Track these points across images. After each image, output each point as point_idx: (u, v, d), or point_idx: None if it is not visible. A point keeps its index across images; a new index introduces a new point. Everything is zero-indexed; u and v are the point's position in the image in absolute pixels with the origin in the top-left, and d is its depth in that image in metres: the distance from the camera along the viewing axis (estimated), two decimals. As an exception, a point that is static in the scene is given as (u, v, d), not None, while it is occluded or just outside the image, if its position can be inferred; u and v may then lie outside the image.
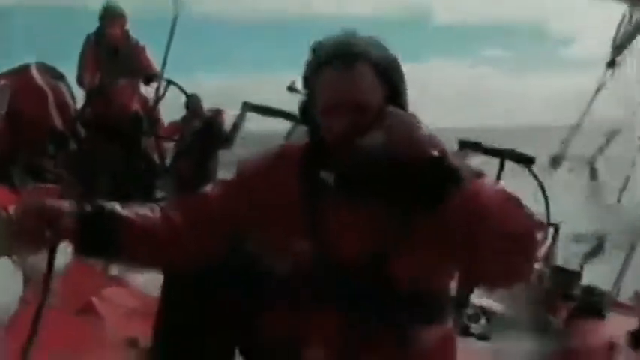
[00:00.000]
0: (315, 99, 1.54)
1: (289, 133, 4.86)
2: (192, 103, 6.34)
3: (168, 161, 6.28)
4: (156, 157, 6.16)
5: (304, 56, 1.58)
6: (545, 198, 4.39)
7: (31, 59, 5.53)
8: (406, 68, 1.56)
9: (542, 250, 1.56)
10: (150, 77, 6.13)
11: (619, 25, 5.93)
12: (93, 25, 6.21)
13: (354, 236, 1.51)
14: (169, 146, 6.42)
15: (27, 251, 1.71)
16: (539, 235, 1.39)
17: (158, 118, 6.40)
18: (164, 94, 6.03)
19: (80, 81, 6.02)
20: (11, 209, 1.60)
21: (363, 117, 1.46)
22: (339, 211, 1.52)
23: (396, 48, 1.55)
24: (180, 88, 5.97)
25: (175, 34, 6.06)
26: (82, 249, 1.54)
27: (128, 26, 6.24)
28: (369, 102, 1.48)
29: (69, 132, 5.35)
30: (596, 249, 5.35)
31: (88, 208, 1.52)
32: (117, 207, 1.56)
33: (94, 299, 3.18)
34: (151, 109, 6.00)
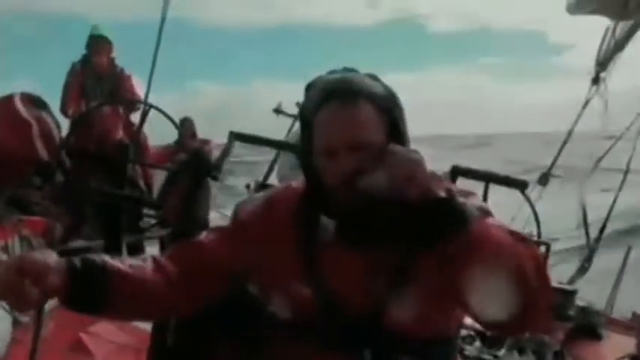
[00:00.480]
0: (313, 139, 1.48)
1: (274, 160, 4.80)
2: (185, 127, 6.28)
3: (156, 188, 6.21)
4: (142, 185, 6.10)
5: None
6: (537, 220, 4.36)
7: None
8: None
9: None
10: (133, 105, 6.10)
11: (602, 41, 5.79)
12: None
13: (355, 281, 1.48)
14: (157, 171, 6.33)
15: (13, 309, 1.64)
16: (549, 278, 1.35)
17: (145, 144, 6.36)
18: (144, 119, 5.79)
19: (64, 111, 5.98)
20: None
21: (365, 157, 1.40)
22: (339, 257, 1.49)
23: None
24: (167, 116, 5.85)
25: (176, 42, 5.91)
26: (70, 305, 1.48)
27: (114, 54, 6.25)
28: (372, 141, 1.42)
29: (54, 162, 5.28)
30: (586, 264, 5.34)
31: (78, 263, 1.46)
32: (108, 261, 1.50)
33: (83, 335, 3.13)
34: (136, 136, 5.94)
